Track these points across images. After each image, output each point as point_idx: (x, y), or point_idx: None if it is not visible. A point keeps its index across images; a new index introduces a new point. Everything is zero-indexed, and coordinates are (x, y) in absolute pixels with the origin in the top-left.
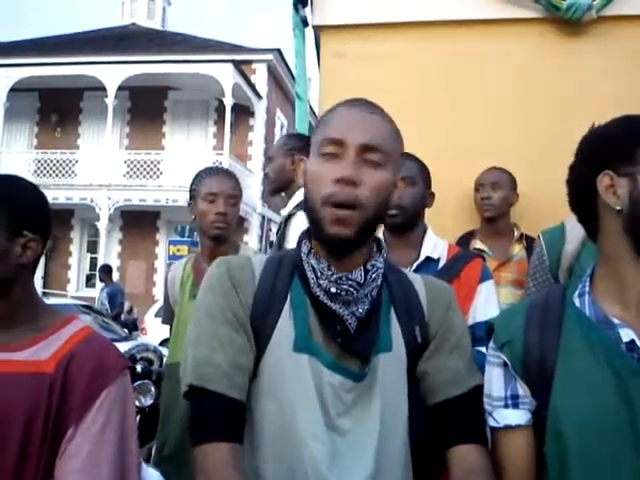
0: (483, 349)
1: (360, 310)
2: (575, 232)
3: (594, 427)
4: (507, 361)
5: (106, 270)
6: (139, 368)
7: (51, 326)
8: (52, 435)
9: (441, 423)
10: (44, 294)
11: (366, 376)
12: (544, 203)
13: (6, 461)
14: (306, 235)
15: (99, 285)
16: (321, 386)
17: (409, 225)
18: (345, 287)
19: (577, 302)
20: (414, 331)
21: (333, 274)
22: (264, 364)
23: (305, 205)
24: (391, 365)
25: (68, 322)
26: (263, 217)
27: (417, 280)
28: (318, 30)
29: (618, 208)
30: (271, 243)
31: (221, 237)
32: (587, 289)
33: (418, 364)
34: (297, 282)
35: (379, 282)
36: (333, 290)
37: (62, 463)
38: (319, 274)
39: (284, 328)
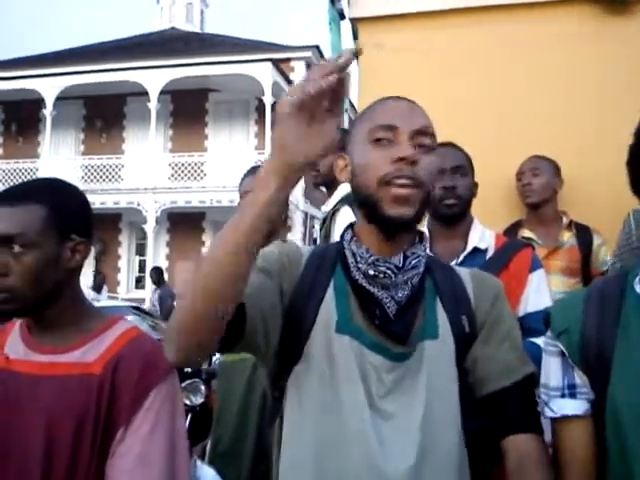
0: (537, 340)
1: (399, 295)
2: None
3: None
4: (564, 350)
5: (158, 272)
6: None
7: (98, 327)
8: (102, 436)
9: (494, 414)
10: None
11: (407, 357)
12: (593, 189)
13: (58, 464)
14: (350, 226)
15: (149, 286)
16: (364, 367)
17: (462, 215)
18: (382, 269)
19: (638, 288)
20: (461, 320)
21: (371, 256)
22: (309, 347)
23: (356, 194)
24: (438, 352)
25: (115, 323)
26: (306, 214)
27: (463, 272)
28: (355, 23)
29: None
30: (314, 240)
31: None
32: None
33: (467, 355)
34: (339, 269)
35: (420, 270)
36: (371, 272)
37: (112, 463)
38: (358, 258)
39: (327, 312)
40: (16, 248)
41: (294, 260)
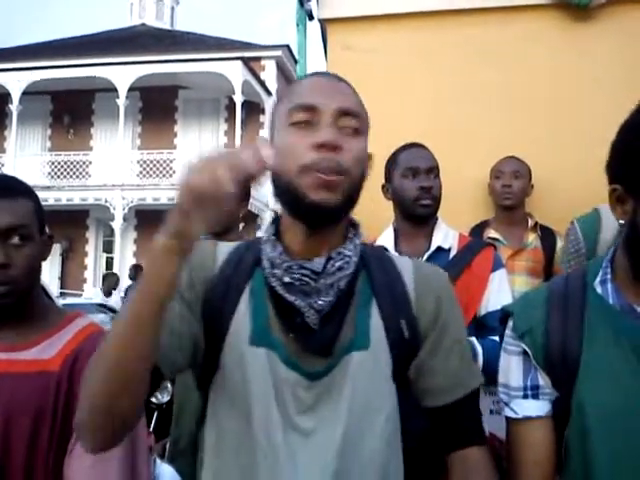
0: (497, 338)
1: (320, 302)
2: (611, 219)
3: (621, 422)
4: (527, 350)
5: (138, 269)
6: None
7: (56, 324)
8: (60, 433)
9: (440, 426)
10: (61, 294)
11: (326, 374)
12: (557, 191)
13: (16, 459)
14: (276, 220)
15: (121, 285)
16: (278, 382)
17: (433, 216)
18: (297, 276)
19: (599, 289)
20: (399, 325)
21: (284, 262)
22: (222, 358)
23: (275, 182)
24: (367, 364)
25: (73, 319)
26: (276, 213)
27: (406, 267)
28: (324, 23)
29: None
30: None
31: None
32: (609, 276)
33: (412, 363)
34: (259, 271)
35: (349, 272)
36: (286, 279)
37: (71, 461)
38: (275, 262)
39: (241, 320)
40: (15, 240)
41: (200, 266)
